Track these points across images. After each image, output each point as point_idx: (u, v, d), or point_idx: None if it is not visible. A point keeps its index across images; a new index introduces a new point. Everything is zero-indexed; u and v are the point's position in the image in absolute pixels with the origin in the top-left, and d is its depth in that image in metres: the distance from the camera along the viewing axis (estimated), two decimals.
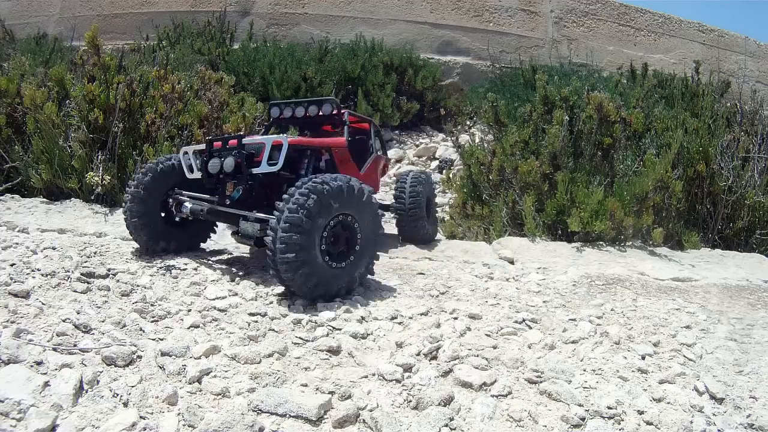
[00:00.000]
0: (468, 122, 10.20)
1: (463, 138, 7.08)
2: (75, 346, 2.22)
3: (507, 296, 3.22)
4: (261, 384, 2.04)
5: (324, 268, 2.77)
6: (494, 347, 2.46)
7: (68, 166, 4.89)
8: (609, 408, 2.00)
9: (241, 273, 3.42)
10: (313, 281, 2.73)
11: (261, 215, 3.04)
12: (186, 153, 3.47)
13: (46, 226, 4.03)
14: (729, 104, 6.45)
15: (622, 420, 1.96)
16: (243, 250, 4.12)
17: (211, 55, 9.85)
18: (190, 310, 2.69)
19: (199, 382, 2.03)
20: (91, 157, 4.94)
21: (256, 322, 2.58)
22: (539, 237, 4.74)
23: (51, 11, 12.75)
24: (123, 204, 3.53)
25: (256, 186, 3.31)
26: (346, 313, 2.76)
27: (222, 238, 4.29)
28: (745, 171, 5.13)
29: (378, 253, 4.21)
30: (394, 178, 5.81)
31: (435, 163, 8.94)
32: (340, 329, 2.56)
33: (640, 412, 2.01)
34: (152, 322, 2.55)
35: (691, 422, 1.96)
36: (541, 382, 2.16)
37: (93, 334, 2.34)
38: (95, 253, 3.47)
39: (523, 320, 2.80)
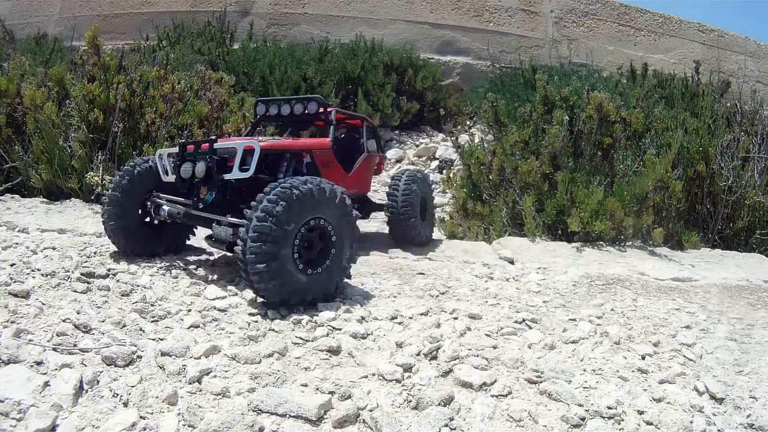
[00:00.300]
0: (468, 122, 10.19)
1: (463, 138, 7.08)
2: (75, 346, 2.22)
3: (507, 296, 3.22)
4: (261, 384, 2.04)
5: (298, 276, 2.67)
6: (494, 347, 2.46)
7: (68, 166, 4.89)
8: (609, 408, 2.00)
9: (241, 273, 3.42)
10: (287, 290, 2.64)
11: (234, 220, 2.94)
12: (161, 156, 3.38)
13: (46, 226, 4.03)
14: (729, 104, 6.45)
15: (622, 420, 1.96)
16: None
17: (211, 55, 9.85)
18: (190, 310, 2.69)
19: (199, 382, 2.03)
20: (91, 157, 4.94)
21: (256, 322, 2.58)
22: (539, 237, 4.74)
23: (51, 11, 12.74)
24: (101, 206, 3.46)
25: (230, 190, 3.23)
26: (346, 313, 2.76)
27: None
28: (745, 171, 5.13)
29: (378, 253, 4.23)
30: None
31: (435, 163, 8.94)
32: (340, 329, 2.56)
33: (640, 412, 2.01)
34: (152, 322, 2.55)
35: (691, 422, 1.96)
36: (541, 382, 2.16)
37: (93, 334, 2.34)
38: (95, 253, 3.47)
39: (523, 320, 2.80)
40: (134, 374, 2.05)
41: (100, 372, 2.03)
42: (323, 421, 1.85)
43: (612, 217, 4.52)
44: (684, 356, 2.50)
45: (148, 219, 3.51)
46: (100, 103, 4.97)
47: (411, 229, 4.58)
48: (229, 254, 3.98)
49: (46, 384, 1.91)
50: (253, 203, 2.61)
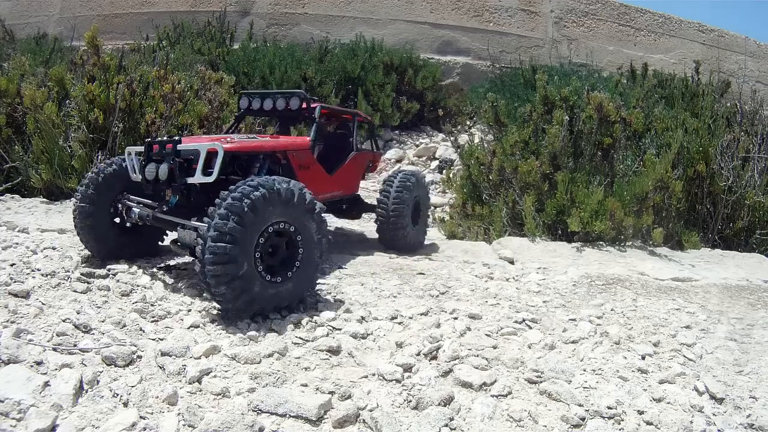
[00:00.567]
0: (468, 122, 10.20)
1: (463, 138, 7.08)
2: (75, 346, 2.22)
3: (507, 296, 3.22)
4: (261, 384, 2.04)
5: (259, 282, 2.51)
6: (494, 347, 2.46)
7: (68, 166, 4.90)
8: (609, 408, 2.00)
9: None
10: (246, 297, 2.47)
11: (199, 224, 2.73)
12: (130, 154, 3.22)
13: (46, 226, 4.03)
14: (729, 104, 6.45)
15: (622, 420, 1.96)
16: None
17: (211, 55, 9.85)
18: (190, 310, 2.70)
19: (199, 382, 2.03)
20: (91, 157, 4.94)
21: (256, 322, 2.58)
22: (539, 237, 4.74)
23: (51, 11, 12.75)
24: (73, 206, 3.32)
25: (195, 193, 3.06)
26: (346, 313, 2.76)
27: None
28: (745, 171, 5.13)
29: (378, 253, 4.22)
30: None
31: (435, 163, 8.94)
32: (340, 329, 2.56)
33: (640, 412, 2.01)
34: (152, 322, 2.55)
35: (691, 422, 1.96)
36: (541, 382, 2.16)
37: (93, 334, 2.34)
38: None
39: (523, 320, 2.80)
40: (134, 374, 2.05)
41: (100, 372, 2.03)
42: (323, 421, 1.85)
43: (612, 217, 4.52)
44: (684, 356, 2.50)
45: (119, 221, 3.35)
46: (100, 103, 4.97)
47: (401, 236, 4.34)
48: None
49: (46, 384, 1.91)
50: (217, 200, 2.47)
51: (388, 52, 10.46)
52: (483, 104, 6.36)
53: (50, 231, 3.94)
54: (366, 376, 2.16)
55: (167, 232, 3.61)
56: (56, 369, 2.02)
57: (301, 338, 2.44)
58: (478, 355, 2.34)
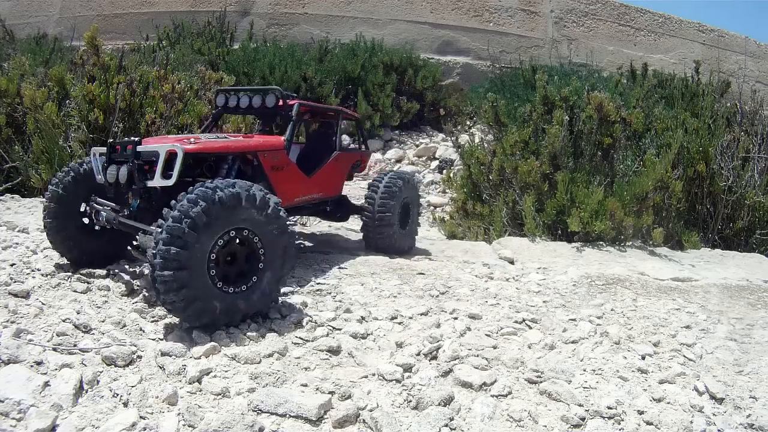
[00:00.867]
0: (468, 122, 10.20)
1: (463, 138, 7.08)
2: (75, 346, 2.22)
3: (507, 296, 3.22)
4: (261, 384, 2.04)
5: (213, 292, 2.34)
6: (494, 347, 2.46)
7: None
8: (609, 408, 2.00)
9: None
10: (197, 307, 2.29)
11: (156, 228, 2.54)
12: (95, 155, 3.06)
13: None
14: (729, 104, 6.45)
15: (622, 420, 1.96)
16: None
17: (211, 55, 9.86)
18: None
19: (199, 382, 2.03)
20: None
21: (256, 322, 2.58)
22: (539, 237, 4.74)
23: (51, 11, 12.75)
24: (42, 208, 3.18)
25: (157, 197, 2.87)
26: (346, 313, 2.76)
27: None
28: (745, 171, 5.13)
29: (378, 253, 4.21)
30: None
31: (435, 163, 8.94)
32: (340, 329, 2.56)
33: (640, 412, 2.01)
34: (152, 322, 2.55)
35: (691, 422, 1.96)
36: (541, 382, 2.16)
37: (93, 334, 2.34)
38: None
39: (523, 320, 2.80)
40: (134, 374, 2.05)
41: (100, 372, 2.03)
42: (323, 421, 1.85)
43: (612, 217, 4.53)
44: (684, 356, 2.50)
45: (88, 222, 3.19)
46: (100, 103, 4.97)
47: (387, 238, 4.13)
48: None
49: (46, 384, 1.91)
50: (172, 203, 2.33)
51: (388, 52, 10.46)
52: (483, 104, 6.36)
53: None
54: (366, 376, 2.16)
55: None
56: (56, 369, 2.02)
57: (301, 338, 2.44)
58: (478, 355, 2.34)
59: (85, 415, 1.78)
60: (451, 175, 6.34)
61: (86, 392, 1.92)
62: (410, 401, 1.99)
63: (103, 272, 3.07)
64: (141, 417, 1.80)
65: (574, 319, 2.87)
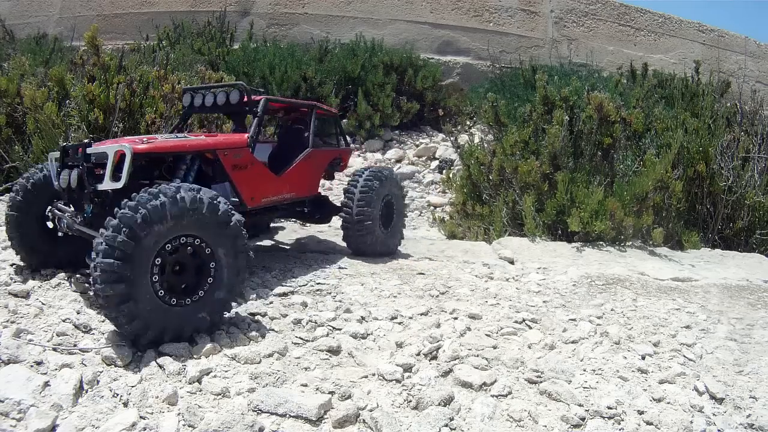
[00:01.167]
0: (468, 122, 10.20)
1: (463, 138, 7.08)
2: (75, 346, 2.22)
3: (507, 296, 3.22)
4: (261, 384, 2.04)
5: (158, 305, 2.19)
6: (494, 347, 2.46)
7: None
8: (609, 408, 2.00)
9: None
10: (141, 321, 2.14)
11: None
12: (52, 159, 2.93)
13: None
14: (729, 104, 6.45)
15: (622, 420, 1.96)
16: None
17: (211, 55, 9.85)
18: None
19: (199, 382, 2.03)
20: None
21: (256, 322, 2.58)
22: (539, 237, 4.74)
23: (51, 11, 12.74)
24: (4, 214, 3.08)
25: (110, 202, 2.67)
26: (346, 313, 2.76)
27: None
28: (745, 171, 5.13)
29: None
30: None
31: (435, 163, 8.94)
32: (340, 329, 2.56)
33: (640, 412, 2.01)
34: None
35: (691, 422, 1.96)
36: (541, 382, 2.16)
37: (93, 334, 2.34)
38: None
39: (523, 320, 2.81)
40: (134, 374, 2.05)
41: (100, 372, 2.03)
42: (323, 421, 1.85)
43: (612, 217, 4.52)
44: (684, 356, 2.50)
45: (52, 228, 3.08)
46: (100, 103, 4.97)
47: (369, 241, 3.90)
48: None
49: (46, 384, 1.91)
50: (116, 210, 2.18)
51: (388, 52, 10.45)
52: (483, 104, 6.36)
53: None
54: (366, 376, 2.16)
55: None
56: (56, 369, 2.02)
57: (301, 338, 2.44)
58: (478, 355, 2.34)
59: (85, 415, 1.78)
60: (451, 175, 6.34)
61: (86, 392, 1.92)
62: (410, 401, 1.99)
63: None
64: (141, 417, 1.80)
65: (574, 319, 2.87)
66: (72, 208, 2.88)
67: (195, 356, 2.19)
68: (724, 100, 7.34)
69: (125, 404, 1.87)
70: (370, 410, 1.91)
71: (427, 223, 6.46)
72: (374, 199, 3.89)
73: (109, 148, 2.63)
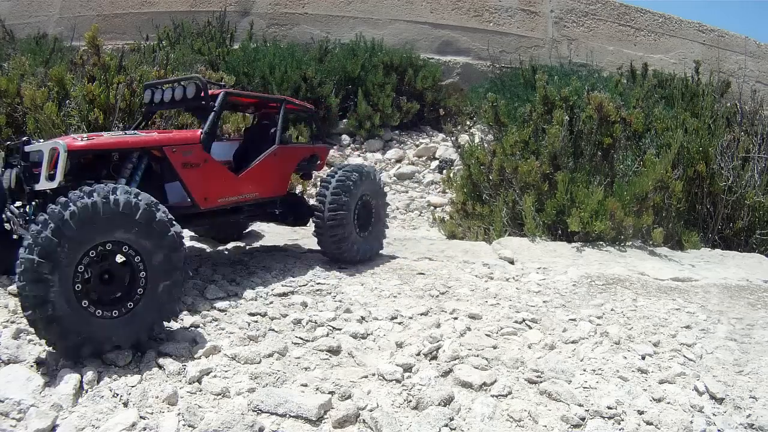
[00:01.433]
0: (468, 122, 10.20)
1: (463, 138, 7.08)
2: None
3: (507, 296, 3.22)
4: (261, 384, 2.04)
5: (79, 314, 2.03)
6: (494, 347, 2.46)
7: None
8: (609, 408, 2.00)
9: (241, 273, 3.42)
10: (58, 328, 1.99)
11: None
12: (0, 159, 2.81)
13: None
14: (729, 104, 6.45)
15: (622, 420, 1.96)
16: (244, 249, 4.13)
17: (211, 55, 9.85)
18: (190, 310, 2.70)
19: (199, 382, 2.03)
20: None
21: (256, 322, 2.58)
22: (539, 237, 4.74)
23: (51, 11, 12.74)
24: None
25: (50, 202, 2.46)
26: (346, 313, 2.76)
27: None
28: (745, 171, 5.13)
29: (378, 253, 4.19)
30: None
31: (435, 163, 8.94)
32: (340, 329, 2.56)
33: (640, 412, 2.01)
34: None
35: (691, 422, 1.96)
36: (541, 382, 2.16)
37: None
38: None
39: (523, 320, 2.81)
40: (134, 374, 2.05)
41: (100, 372, 2.03)
42: (323, 421, 1.85)
43: (612, 217, 4.52)
44: (684, 356, 2.50)
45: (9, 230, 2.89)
46: (100, 103, 4.97)
47: (343, 246, 3.63)
48: (233, 254, 3.98)
49: (46, 384, 1.91)
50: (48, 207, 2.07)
51: (388, 52, 10.46)
52: (483, 104, 6.36)
53: None
54: (366, 376, 2.16)
55: None
56: (56, 369, 2.02)
57: (301, 338, 2.44)
58: (478, 355, 2.34)
59: (85, 415, 1.79)
60: (451, 175, 6.34)
61: (86, 392, 1.92)
62: (410, 401, 1.99)
63: None
64: (141, 417, 1.80)
65: (574, 319, 2.87)
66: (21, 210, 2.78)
67: (195, 356, 2.19)
68: (724, 100, 7.34)
69: (125, 404, 1.87)
70: (370, 410, 1.91)
71: (427, 223, 6.47)
72: (348, 202, 3.62)
73: (44, 145, 2.53)
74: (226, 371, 2.10)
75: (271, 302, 2.90)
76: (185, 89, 3.36)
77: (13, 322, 2.35)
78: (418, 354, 2.35)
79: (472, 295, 3.22)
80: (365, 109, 9.15)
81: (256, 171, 3.52)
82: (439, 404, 1.96)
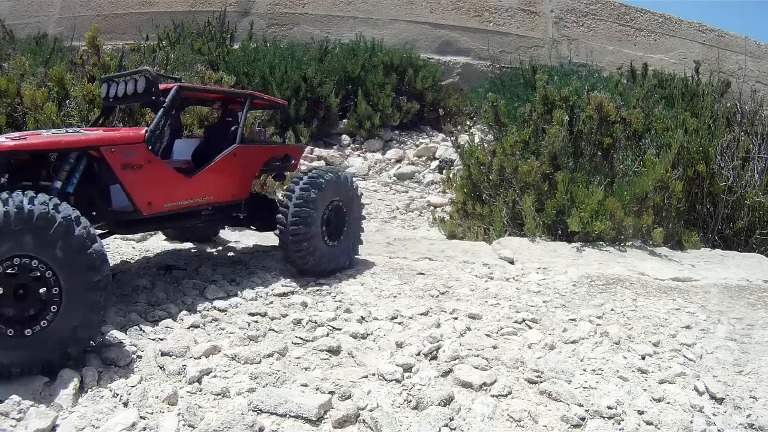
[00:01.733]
0: (468, 122, 10.20)
1: (463, 138, 7.08)
2: None
3: (507, 296, 3.22)
4: (261, 384, 2.04)
5: None
6: (494, 347, 2.46)
7: None
8: (609, 408, 2.00)
9: (241, 273, 3.42)
10: None
11: None
12: None
13: None
14: (729, 104, 6.45)
15: (622, 420, 1.96)
16: (244, 249, 4.12)
17: (211, 55, 9.85)
18: (190, 310, 2.70)
19: (199, 382, 2.03)
20: None
21: (256, 322, 2.59)
22: (539, 237, 4.74)
23: (51, 11, 12.74)
24: None
25: None
26: (346, 313, 2.76)
27: (225, 235, 4.29)
28: (745, 171, 5.13)
29: (378, 253, 4.20)
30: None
31: (435, 163, 8.94)
32: (340, 329, 2.56)
33: (640, 412, 2.01)
34: (152, 322, 2.55)
35: (691, 422, 1.96)
36: (541, 382, 2.16)
37: None
38: None
39: (523, 320, 2.81)
40: (134, 374, 2.05)
41: (100, 372, 2.03)
42: (323, 421, 1.85)
43: (612, 217, 4.52)
44: (684, 356, 2.50)
45: None
46: (100, 103, 4.97)
47: (308, 259, 3.31)
48: (233, 254, 3.98)
49: (46, 384, 1.91)
50: None
51: (388, 52, 10.46)
52: (483, 104, 6.36)
53: None
54: (366, 376, 2.16)
55: None
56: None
57: (301, 338, 2.44)
58: (478, 355, 2.34)
59: (85, 415, 1.79)
60: (451, 175, 6.34)
61: (86, 392, 1.92)
62: (410, 401, 1.99)
63: None
64: (141, 417, 1.80)
65: (574, 319, 2.87)
66: None
67: (195, 356, 2.19)
68: (724, 100, 7.34)
69: (125, 404, 1.87)
70: (370, 410, 1.91)
71: (427, 223, 6.47)
72: (313, 213, 3.29)
73: None
74: (226, 371, 2.10)
75: (271, 302, 2.90)
76: (136, 83, 3.10)
77: None
78: (418, 354, 2.35)
79: (472, 295, 3.22)
80: (365, 109, 9.15)
81: (211, 172, 3.22)
82: (439, 404, 1.96)
